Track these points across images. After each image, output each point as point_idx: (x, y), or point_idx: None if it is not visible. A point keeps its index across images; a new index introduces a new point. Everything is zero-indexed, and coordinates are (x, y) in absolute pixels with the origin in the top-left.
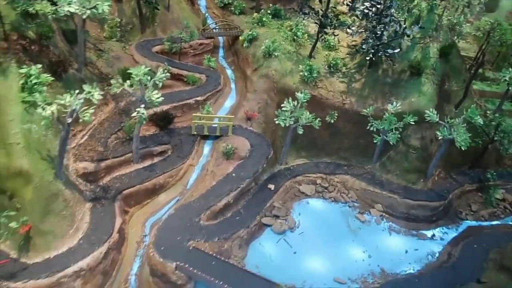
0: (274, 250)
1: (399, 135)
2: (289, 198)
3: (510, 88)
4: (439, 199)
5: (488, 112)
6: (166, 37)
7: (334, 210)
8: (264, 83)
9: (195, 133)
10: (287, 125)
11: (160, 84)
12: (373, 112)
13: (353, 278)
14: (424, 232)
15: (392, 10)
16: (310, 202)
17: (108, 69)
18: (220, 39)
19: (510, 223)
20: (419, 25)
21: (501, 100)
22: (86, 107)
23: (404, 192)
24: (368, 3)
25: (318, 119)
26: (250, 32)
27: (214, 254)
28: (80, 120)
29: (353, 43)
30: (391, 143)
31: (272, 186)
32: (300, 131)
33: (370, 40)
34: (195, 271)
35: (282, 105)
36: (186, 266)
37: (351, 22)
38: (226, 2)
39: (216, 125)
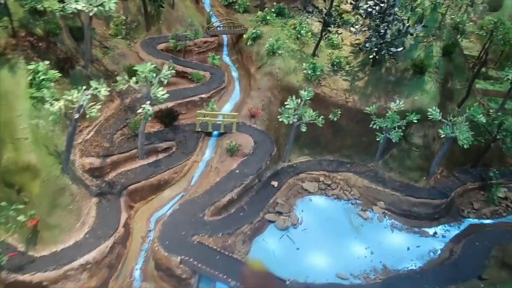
0: (277, 246)
1: (401, 133)
2: (292, 195)
3: None
4: (441, 197)
5: (491, 110)
6: (171, 35)
7: (337, 207)
8: (268, 81)
9: (199, 130)
10: (290, 122)
11: (166, 81)
12: (376, 110)
13: (355, 274)
14: (426, 229)
15: (396, 9)
16: (313, 199)
17: (113, 66)
18: (224, 37)
19: None
20: (422, 24)
21: (504, 99)
22: (93, 103)
23: (406, 190)
24: (372, 1)
25: (322, 117)
26: (254, 31)
27: (218, 249)
28: (87, 116)
29: (357, 41)
30: (393, 141)
31: (275, 183)
32: (304, 129)
33: (374, 39)
34: (199, 265)
35: (285, 103)
36: (191, 260)
37: (354, 20)
38: (230, 1)
39: (220, 122)
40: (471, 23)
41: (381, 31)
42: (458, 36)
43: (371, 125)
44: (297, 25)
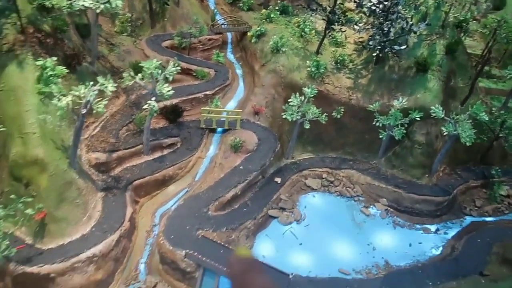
0: (280, 241)
1: (404, 131)
2: (295, 191)
3: None
4: (444, 194)
5: (494, 109)
6: (176, 32)
7: (340, 204)
8: (272, 78)
9: (203, 126)
10: (294, 119)
11: (171, 78)
12: (379, 107)
13: (358, 269)
14: (428, 226)
15: (399, 7)
16: (316, 195)
17: (119, 63)
18: (229, 34)
19: None
20: (425, 22)
21: (506, 97)
22: (100, 99)
23: (409, 187)
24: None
25: (325, 114)
26: (258, 28)
27: (222, 243)
28: (94, 111)
29: (360, 39)
30: (396, 138)
31: (278, 180)
32: (307, 126)
33: (377, 37)
34: (203, 258)
35: (289, 100)
36: (195, 254)
37: (358, 18)
38: None
39: (224, 119)
40: (474, 21)
41: (385, 29)
42: (462, 35)
43: (374, 123)
44: (301, 23)
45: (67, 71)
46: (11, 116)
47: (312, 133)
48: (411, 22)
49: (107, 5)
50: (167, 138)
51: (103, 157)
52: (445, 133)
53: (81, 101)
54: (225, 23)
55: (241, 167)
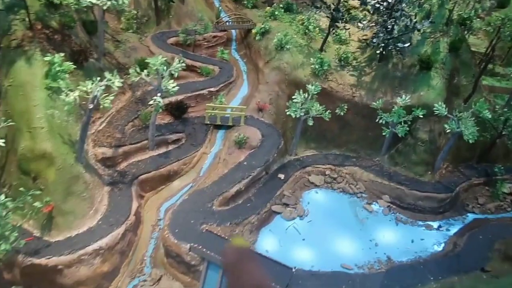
0: (284, 236)
1: (407, 128)
2: (298, 187)
3: None
4: (446, 191)
5: (497, 107)
6: (181, 29)
7: (343, 200)
8: (276, 75)
9: (208, 122)
10: (297, 116)
11: (176, 74)
12: (382, 105)
13: (360, 264)
14: (431, 223)
15: (403, 5)
16: (319, 192)
17: (125, 59)
18: (233, 32)
19: None
20: (429, 20)
21: (510, 95)
22: (106, 94)
23: (411, 184)
24: None
25: (328, 111)
26: (262, 26)
27: (226, 238)
28: (101, 107)
29: (364, 37)
30: (399, 135)
31: (282, 176)
32: (310, 123)
33: (381, 34)
34: (208, 252)
35: (293, 97)
36: (200, 247)
37: (362, 16)
38: None
39: (228, 115)
40: (478, 19)
41: (389, 26)
42: (465, 32)
43: (377, 120)
44: (305, 20)
45: (74, 67)
46: (19, 111)
47: (315, 130)
48: (415, 20)
49: (114, 1)
50: (172, 134)
51: (109, 152)
52: (448, 131)
53: (88, 96)
54: (230, 20)
55: (245, 163)
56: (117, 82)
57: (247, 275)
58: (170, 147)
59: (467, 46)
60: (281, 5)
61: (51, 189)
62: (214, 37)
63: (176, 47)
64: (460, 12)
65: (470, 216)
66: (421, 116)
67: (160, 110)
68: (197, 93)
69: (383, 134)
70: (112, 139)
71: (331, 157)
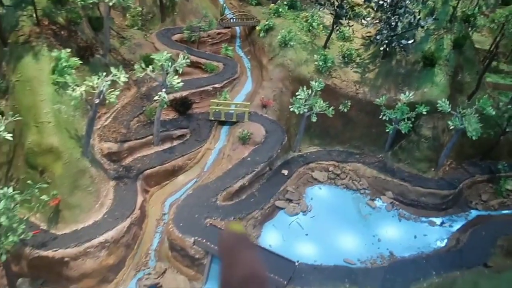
0: (287, 231)
1: (411, 125)
2: (302, 183)
3: None
4: (450, 188)
5: (501, 103)
6: (186, 26)
7: (346, 196)
8: (280, 72)
9: (212, 118)
10: (301, 112)
11: (181, 70)
12: (386, 101)
13: (363, 259)
14: (434, 219)
15: (407, 2)
16: (322, 188)
17: (130, 55)
18: (237, 29)
19: None
20: (433, 17)
21: None
22: (112, 90)
23: (415, 180)
24: None
25: (332, 107)
26: (266, 23)
27: None
28: (107, 101)
29: (368, 34)
30: (403, 132)
31: (285, 172)
32: (314, 119)
33: (385, 31)
34: (212, 245)
35: (296, 93)
36: (204, 241)
37: (366, 13)
38: None
39: (232, 111)
40: (482, 16)
41: (392, 23)
42: (469, 29)
43: (380, 117)
44: (309, 17)
45: (81, 62)
46: (27, 105)
47: (319, 126)
48: (418, 17)
49: None
50: (176, 129)
51: (115, 147)
52: (451, 127)
53: (94, 91)
54: (234, 17)
55: (248, 158)
56: (122, 77)
57: (240, 262)
58: (175, 143)
59: (471, 43)
60: (285, 2)
61: (58, 183)
62: (219, 34)
63: (180, 43)
64: (464, 9)
65: (473, 213)
66: (425, 113)
67: (165, 106)
68: (201, 89)
69: (387, 130)
70: (117, 134)
71: (334, 153)
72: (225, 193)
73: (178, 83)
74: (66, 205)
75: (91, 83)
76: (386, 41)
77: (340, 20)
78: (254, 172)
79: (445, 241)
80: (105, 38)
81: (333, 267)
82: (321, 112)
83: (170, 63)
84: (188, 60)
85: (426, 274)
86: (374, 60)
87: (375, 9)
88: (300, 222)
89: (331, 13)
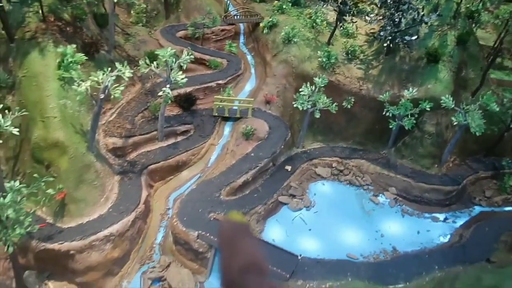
0: (290, 226)
1: (414, 121)
2: (305, 179)
3: None
4: (453, 184)
5: (505, 100)
6: (190, 23)
7: (349, 192)
8: (283, 68)
9: (216, 114)
10: (304, 108)
11: (185, 66)
12: (389, 98)
13: (365, 254)
14: (437, 215)
15: None
16: (325, 184)
17: (135, 52)
18: (241, 25)
19: None
20: (437, 13)
21: None
22: (117, 85)
23: (418, 176)
24: None
25: (335, 104)
26: (270, 19)
27: None
28: (111, 97)
29: (371, 30)
30: (406, 128)
31: (289, 168)
32: (317, 115)
33: (388, 28)
34: (215, 239)
35: (300, 90)
36: (207, 235)
37: (369, 9)
38: None
39: (236, 107)
40: (486, 12)
41: (396, 20)
42: (473, 26)
43: (384, 113)
44: (313, 14)
45: (86, 58)
46: (33, 101)
47: (322, 123)
48: (422, 13)
49: None
50: (180, 125)
51: (120, 142)
52: (455, 123)
53: (99, 87)
54: (238, 14)
55: (252, 154)
56: (127, 72)
57: (240, 251)
58: (179, 138)
59: (475, 39)
60: None
61: (64, 177)
62: (222, 30)
63: (185, 40)
64: (468, 5)
65: (477, 209)
66: (428, 109)
67: (169, 102)
68: (205, 85)
69: (390, 127)
70: (122, 129)
71: (338, 149)
72: (228, 188)
73: (182, 79)
74: (72, 199)
75: (96, 79)
76: (390, 38)
77: (344, 17)
78: (258, 167)
79: (448, 236)
80: (110, 34)
81: (336, 261)
82: (325, 108)
83: (174, 59)
84: (192, 56)
85: (429, 268)
86: (377, 57)
87: (378, 5)
88: (303, 218)
89: (334, 10)
